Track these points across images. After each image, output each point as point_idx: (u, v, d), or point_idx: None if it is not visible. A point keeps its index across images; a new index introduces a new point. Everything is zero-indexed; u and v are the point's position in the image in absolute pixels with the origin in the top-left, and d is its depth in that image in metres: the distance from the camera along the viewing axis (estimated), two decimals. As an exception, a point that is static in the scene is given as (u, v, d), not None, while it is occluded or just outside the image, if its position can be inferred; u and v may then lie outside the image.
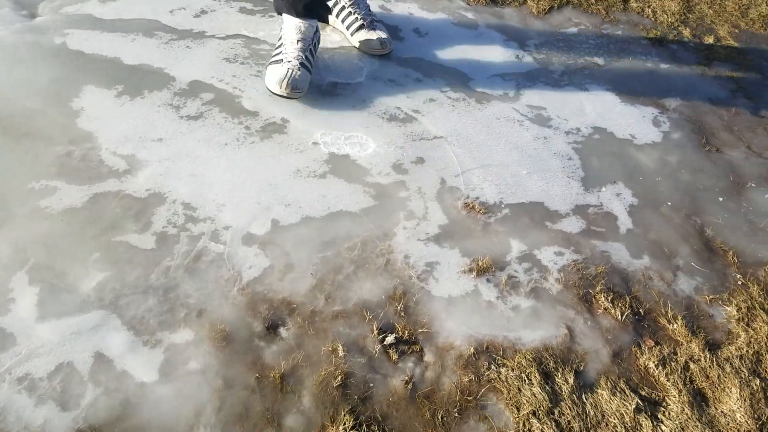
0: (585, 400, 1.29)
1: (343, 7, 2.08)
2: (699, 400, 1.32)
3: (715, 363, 1.39)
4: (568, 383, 1.31)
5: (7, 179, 1.50)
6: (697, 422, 1.28)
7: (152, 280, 1.36)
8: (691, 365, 1.38)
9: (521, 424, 1.23)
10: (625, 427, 1.25)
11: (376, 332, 1.34)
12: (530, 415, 1.25)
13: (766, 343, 1.44)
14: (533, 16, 2.41)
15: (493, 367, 1.32)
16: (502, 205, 1.67)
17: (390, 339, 1.33)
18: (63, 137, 1.62)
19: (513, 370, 1.32)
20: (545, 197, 1.72)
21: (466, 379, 1.30)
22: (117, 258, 1.39)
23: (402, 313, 1.39)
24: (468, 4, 2.41)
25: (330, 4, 2.02)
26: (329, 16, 2.08)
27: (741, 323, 1.48)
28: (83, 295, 1.31)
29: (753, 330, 1.47)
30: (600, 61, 2.26)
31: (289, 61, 1.82)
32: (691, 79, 2.25)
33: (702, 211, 1.76)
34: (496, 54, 2.19)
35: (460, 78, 2.07)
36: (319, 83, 1.93)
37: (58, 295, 1.30)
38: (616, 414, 1.27)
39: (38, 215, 1.43)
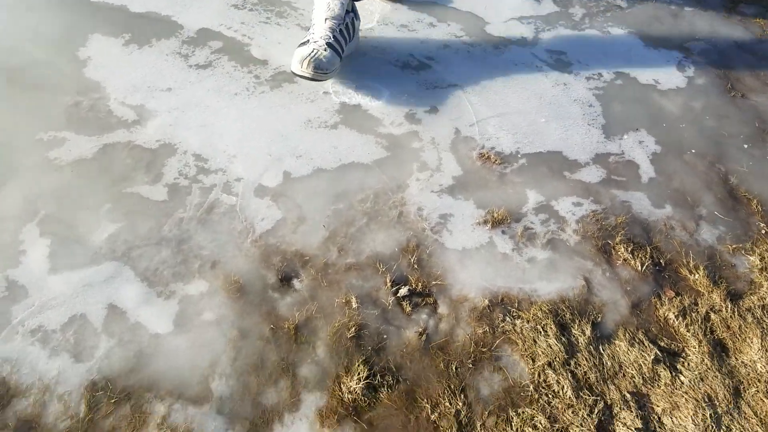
0: (602, 351, 1.28)
1: None
2: (719, 350, 1.30)
3: (736, 313, 1.36)
4: (584, 335, 1.29)
5: (15, 130, 1.48)
6: (717, 372, 1.26)
7: (165, 231, 1.35)
8: (712, 315, 1.35)
9: (536, 375, 1.22)
10: (643, 377, 1.24)
11: (389, 284, 1.33)
12: (545, 366, 1.23)
13: (789, 294, 1.41)
14: (553, -43, 2.30)
15: (508, 318, 1.31)
16: (519, 155, 1.63)
17: (403, 291, 1.32)
18: (71, 87, 1.59)
19: (528, 321, 1.30)
20: (564, 146, 1.67)
21: (481, 331, 1.28)
22: (129, 209, 1.37)
23: (415, 266, 1.37)
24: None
25: None
26: None
27: (764, 273, 1.45)
28: (95, 247, 1.30)
29: (776, 280, 1.43)
30: (622, 3, 2.16)
31: (315, 41, 1.66)
32: (716, 23, 2.15)
33: (726, 159, 1.70)
34: (513, -3, 2.10)
35: (476, 22, 1.99)
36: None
37: (70, 246, 1.30)
38: (633, 365, 1.26)
39: (48, 166, 1.42)
